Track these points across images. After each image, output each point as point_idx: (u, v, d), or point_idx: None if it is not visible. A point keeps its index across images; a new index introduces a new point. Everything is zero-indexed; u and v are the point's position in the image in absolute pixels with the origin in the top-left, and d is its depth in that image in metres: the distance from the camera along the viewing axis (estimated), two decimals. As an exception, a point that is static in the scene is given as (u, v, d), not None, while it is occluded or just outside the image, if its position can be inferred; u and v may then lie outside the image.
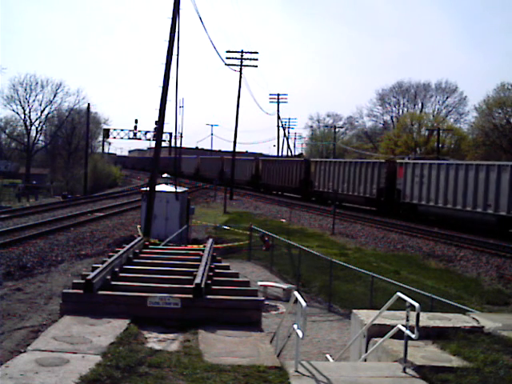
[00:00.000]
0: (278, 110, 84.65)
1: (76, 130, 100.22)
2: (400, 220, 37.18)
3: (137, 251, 12.56)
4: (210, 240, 14.36)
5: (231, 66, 56.51)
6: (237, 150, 60.23)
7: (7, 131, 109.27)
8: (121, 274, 10.37)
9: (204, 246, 13.96)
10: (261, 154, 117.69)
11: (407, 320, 7.37)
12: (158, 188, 26.60)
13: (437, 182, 35.08)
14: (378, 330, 8.55)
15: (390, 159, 50.88)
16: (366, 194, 43.04)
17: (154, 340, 8.07)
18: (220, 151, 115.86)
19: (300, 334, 7.21)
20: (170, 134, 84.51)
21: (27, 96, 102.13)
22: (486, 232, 30.93)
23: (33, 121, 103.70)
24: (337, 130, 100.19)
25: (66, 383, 6.19)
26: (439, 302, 13.46)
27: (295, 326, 7.56)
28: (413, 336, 7.18)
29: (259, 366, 7.07)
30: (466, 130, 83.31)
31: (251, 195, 60.04)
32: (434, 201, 35.29)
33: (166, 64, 24.96)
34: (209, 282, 9.74)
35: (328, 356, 10.92)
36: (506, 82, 73.53)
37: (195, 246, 16.52)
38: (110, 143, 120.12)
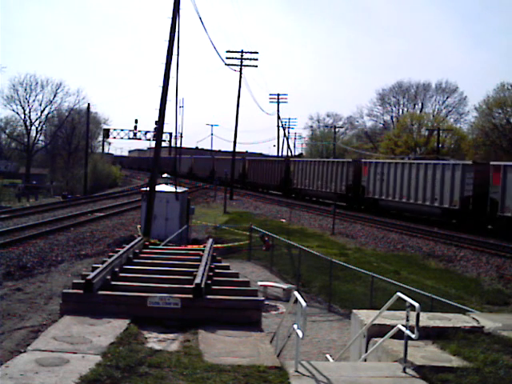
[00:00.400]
0: (278, 110, 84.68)
1: (76, 129, 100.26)
2: (365, 214, 40.80)
3: (137, 251, 12.56)
4: (210, 240, 14.36)
5: (231, 66, 56.53)
6: (237, 149, 60.92)
7: (7, 131, 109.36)
8: (121, 274, 10.37)
9: (204, 246, 13.96)
10: (260, 154, 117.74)
11: (407, 320, 7.37)
12: (158, 188, 26.59)
13: (394, 179, 39.63)
14: (377, 330, 8.55)
15: (356, 159, 54.88)
16: (337, 190, 47.43)
17: (154, 340, 8.06)
18: (220, 151, 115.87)
19: (300, 334, 7.21)
20: (170, 134, 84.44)
21: (27, 96, 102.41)
22: (433, 222, 35.51)
23: (33, 121, 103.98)
24: (337, 129, 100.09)
25: (66, 383, 6.19)
26: (439, 301, 13.46)
27: (295, 326, 7.56)
28: (413, 336, 7.18)
29: (259, 366, 7.07)
30: (466, 130, 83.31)
31: (251, 195, 60.40)
32: (392, 196, 39.92)
33: (166, 64, 24.96)
34: (209, 282, 9.74)
35: (328, 356, 10.92)
36: (506, 81, 73.48)
37: (195, 246, 16.51)
38: (110, 143, 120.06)
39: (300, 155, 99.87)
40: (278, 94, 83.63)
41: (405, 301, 7.48)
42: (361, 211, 42.38)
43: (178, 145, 66.15)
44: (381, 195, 41.24)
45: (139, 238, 14.21)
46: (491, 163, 32.83)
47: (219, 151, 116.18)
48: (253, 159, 74.88)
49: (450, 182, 33.90)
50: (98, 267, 9.91)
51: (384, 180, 40.66)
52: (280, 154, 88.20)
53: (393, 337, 7.91)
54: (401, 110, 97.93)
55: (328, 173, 48.84)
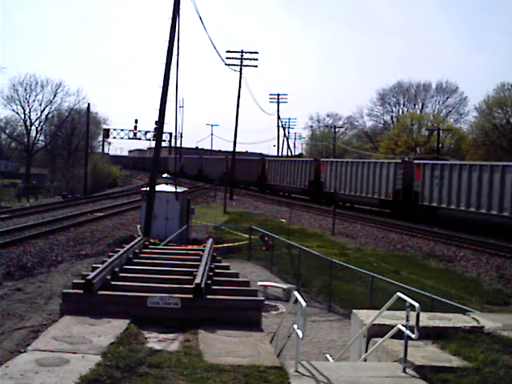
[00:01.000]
0: (278, 110, 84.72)
1: (76, 130, 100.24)
2: (324, 206, 46.12)
3: (137, 251, 12.56)
4: (210, 240, 14.36)
5: (231, 66, 56.52)
6: (237, 149, 61.50)
7: (7, 131, 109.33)
8: (121, 274, 10.37)
9: (204, 246, 13.96)
10: (260, 154, 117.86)
11: (407, 320, 7.37)
12: (158, 188, 26.58)
13: (345, 175, 46.04)
14: (377, 330, 8.55)
15: (316, 158, 60.64)
16: (302, 186, 54.07)
17: (154, 340, 8.06)
18: (220, 151, 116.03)
19: (300, 334, 7.20)
20: (170, 134, 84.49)
21: (27, 96, 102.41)
22: (373, 211, 42.43)
23: (33, 121, 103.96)
24: (337, 129, 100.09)
25: (66, 383, 6.19)
26: (439, 301, 13.45)
27: (295, 326, 7.56)
28: (413, 336, 7.18)
29: (259, 366, 7.07)
30: (466, 130, 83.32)
31: (251, 195, 60.60)
32: (344, 190, 46.30)
33: (166, 64, 24.95)
34: (209, 282, 9.74)
35: (328, 356, 10.91)
36: (506, 81, 73.60)
37: (195, 246, 16.51)
38: (110, 143, 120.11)
39: (300, 155, 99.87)
40: (278, 94, 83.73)
41: (405, 301, 7.48)
42: (322, 204, 47.77)
43: (179, 145, 66.34)
44: (336, 189, 47.34)
45: (139, 238, 14.21)
46: (415, 161, 39.63)
47: (219, 151, 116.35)
48: (234, 158, 77.96)
49: (386, 177, 40.44)
50: (98, 267, 9.91)
51: (338, 176, 47.00)
52: (280, 154, 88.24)
53: (393, 337, 7.90)
54: (401, 110, 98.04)
55: (295, 170, 55.52)
